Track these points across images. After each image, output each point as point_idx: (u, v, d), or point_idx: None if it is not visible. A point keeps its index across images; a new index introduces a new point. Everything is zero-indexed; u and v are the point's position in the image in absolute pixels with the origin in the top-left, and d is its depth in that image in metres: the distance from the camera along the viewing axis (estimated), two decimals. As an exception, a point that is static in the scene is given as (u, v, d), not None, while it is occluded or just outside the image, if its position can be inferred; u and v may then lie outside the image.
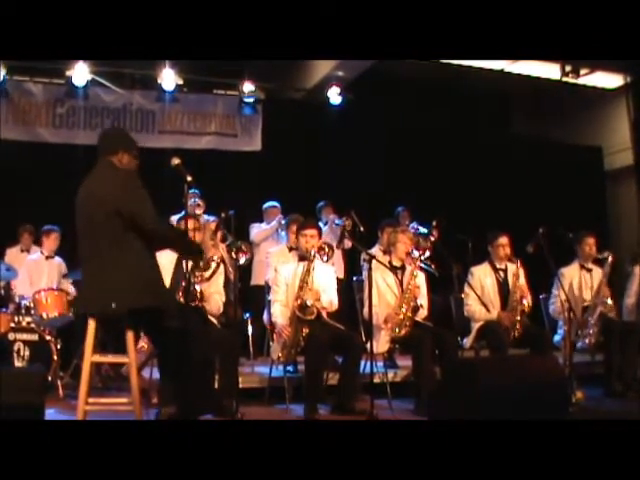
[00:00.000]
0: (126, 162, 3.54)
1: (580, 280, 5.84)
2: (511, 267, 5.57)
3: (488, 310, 5.43)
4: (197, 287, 4.59)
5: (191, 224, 4.78)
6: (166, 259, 4.70)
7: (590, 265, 5.92)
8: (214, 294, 4.74)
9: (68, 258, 6.34)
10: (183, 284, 4.43)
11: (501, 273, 5.60)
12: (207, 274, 4.68)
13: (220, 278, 4.84)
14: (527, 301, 5.45)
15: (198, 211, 5.80)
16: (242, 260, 5.13)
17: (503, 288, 5.54)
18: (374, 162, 8.36)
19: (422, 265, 5.46)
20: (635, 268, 6.10)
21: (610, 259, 5.79)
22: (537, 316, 5.97)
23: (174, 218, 6.24)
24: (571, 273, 5.87)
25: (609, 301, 5.70)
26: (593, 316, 5.64)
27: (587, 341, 5.59)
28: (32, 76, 7.53)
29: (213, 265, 4.70)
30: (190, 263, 4.49)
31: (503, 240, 5.60)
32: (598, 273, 5.87)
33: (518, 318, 5.35)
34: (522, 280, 5.53)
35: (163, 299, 3.49)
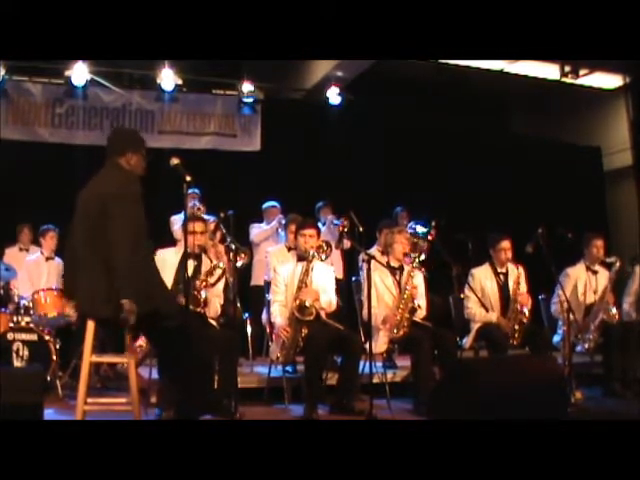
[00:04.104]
0: (134, 163, 3.54)
1: (585, 282, 5.81)
2: (512, 270, 5.53)
3: (488, 311, 5.42)
4: (203, 293, 4.57)
5: (199, 227, 4.77)
6: (170, 255, 4.70)
7: (596, 267, 5.88)
8: (214, 297, 4.73)
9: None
10: (181, 287, 4.40)
11: (502, 277, 5.55)
12: (212, 280, 4.66)
13: (221, 282, 4.82)
14: (527, 309, 5.41)
15: (199, 214, 5.80)
16: (239, 263, 5.13)
17: (504, 291, 5.50)
18: (373, 162, 8.35)
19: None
20: (635, 268, 6.09)
21: (618, 264, 5.74)
22: (537, 316, 5.96)
23: (175, 218, 6.26)
24: (576, 273, 5.83)
25: (613, 310, 5.67)
26: (595, 322, 5.62)
27: (586, 345, 5.58)
28: (31, 76, 7.52)
29: (218, 272, 4.69)
30: (191, 268, 4.47)
31: (505, 244, 5.53)
32: (604, 276, 5.83)
33: (517, 327, 5.33)
34: (523, 287, 5.50)
35: (161, 302, 3.46)
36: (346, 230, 6.07)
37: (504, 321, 5.36)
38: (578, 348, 5.59)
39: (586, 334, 5.60)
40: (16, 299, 5.76)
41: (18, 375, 3.87)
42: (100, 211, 3.33)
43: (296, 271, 4.94)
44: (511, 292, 5.44)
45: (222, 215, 5.81)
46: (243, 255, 5.49)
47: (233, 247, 5.18)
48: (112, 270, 3.27)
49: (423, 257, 5.27)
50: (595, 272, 5.86)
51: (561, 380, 4.29)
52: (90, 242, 3.39)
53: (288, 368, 5.19)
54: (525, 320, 5.38)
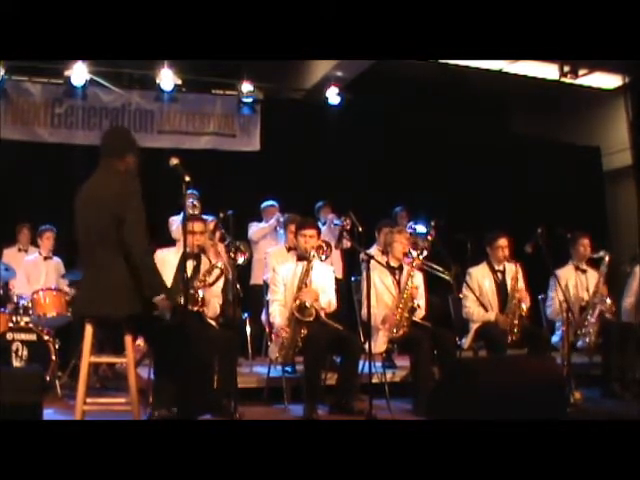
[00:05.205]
0: (132, 164, 3.56)
1: (576, 281, 5.83)
2: (509, 268, 5.54)
3: (487, 310, 5.42)
4: (200, 292, 4.56)
5: (197, 227, 4.76)
6: (171, 256, 4.70)
7: (584, 266, 5.90)
8: (213, 298, 4.73)
9: (65, 258, 6.34)
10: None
11: (499, 275, 5.57)
12: (210, 279, 4.66)
13: (220, 282, 4.81)
14: (525, 305, 5.42)
15: (195, 212, 5.79)
16: (240, 260, 5.11)
17: (501, 289, 5.51)
18: (373, 162, 8.35)
19: (427, 269, 5.46)
20: (635, 268, 6.09)
21: (607, 258, 5.77)
22: (535, 317, 5.96)
23: (174, 218, 6.25)
24: (566, 274, 5.83)
25: (608, 300, 5.69)
26: (593, 315, 5.63)
27: (587, 340, 5.59)
28: (31, 76, 7.51)
29: (216, 271, 4.68)
30: (190, 268, 4.47)
31: (502, 242, 5.55)
32: (593, 274, 5.84)
33: (516, 322, 5.33)
34: (521, 283, 5.50)
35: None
36: (346, 230, 6.07)
37: (502, 318, 5.37)
38: (579, 344, 5.59)
39: (585, 328, 5.61)
40: (15, 299, 5.76)
41: (17, 375, 3.87)
42: (111, 216, 3.35)
43: (296, 271, 4.94)
44: (509, 288, 5.45)
45: (222, 215, 5.80)
46: (243, 249, 5.44)
47: (233, 244, 5.15)
48: (135, 270, 3.37)
49: (425, 253, 5.27)
50: (584, 271, 5.87)
51: (560, 380, 4.29)
52: (97, 247, 3.39)
53: (287, 368, 5.19)
54: (524, 314, 5.39)
